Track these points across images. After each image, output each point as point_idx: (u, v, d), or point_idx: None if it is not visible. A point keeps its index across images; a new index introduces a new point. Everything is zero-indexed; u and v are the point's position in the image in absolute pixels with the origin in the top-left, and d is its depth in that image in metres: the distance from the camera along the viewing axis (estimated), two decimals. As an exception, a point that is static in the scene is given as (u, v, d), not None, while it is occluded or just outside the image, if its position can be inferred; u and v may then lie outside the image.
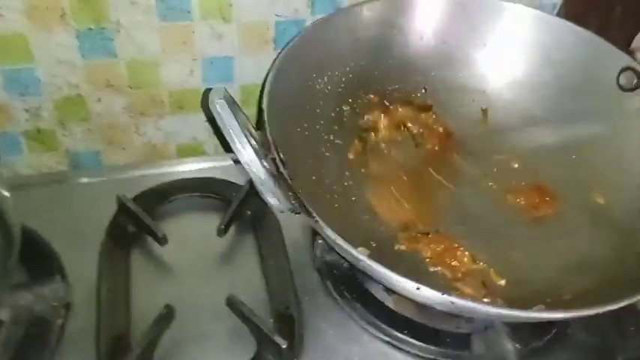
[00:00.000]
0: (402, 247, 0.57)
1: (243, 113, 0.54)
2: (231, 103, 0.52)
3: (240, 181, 0.66)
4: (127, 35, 0.64)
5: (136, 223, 0.61)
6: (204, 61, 0.68)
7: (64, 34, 0.62)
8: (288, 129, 0.58)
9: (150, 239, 0.61)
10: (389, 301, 0.57)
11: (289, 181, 0.50)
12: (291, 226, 0.63)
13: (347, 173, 0.62)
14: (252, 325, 0.53)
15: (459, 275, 0.54)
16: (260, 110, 0.54)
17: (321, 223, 0.47)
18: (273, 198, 0.52)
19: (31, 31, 0.61)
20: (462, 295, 0.52)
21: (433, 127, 0.66)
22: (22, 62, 0.63)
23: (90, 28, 0.62)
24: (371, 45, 0.66)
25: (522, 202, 0.61)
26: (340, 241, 0.46)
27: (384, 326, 0.56)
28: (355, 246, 0.47)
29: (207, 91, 0.52)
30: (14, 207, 0.52)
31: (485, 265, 0.56)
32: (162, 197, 0.65)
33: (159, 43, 0.65)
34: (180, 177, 0.67)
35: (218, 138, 0.75)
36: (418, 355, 0.55)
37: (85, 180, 0.68)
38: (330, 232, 0.47)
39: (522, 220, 0.61)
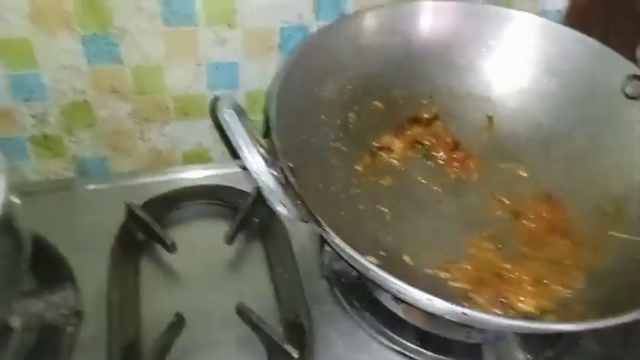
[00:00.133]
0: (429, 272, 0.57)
1: (250, 120, 0.54)
2: (239, 111, 0.52)
3: (246, 187, 0.66)
4: (132, 41, 0.63)
5: (145, 230, 0.61)
6: (208, 66, 0.68)
7: (69, 39, 0.62)
8: (294, 136, 0.57)
9: (158, 246, 0.61)
10: (398, 310, 0.57)
11: (298, 190, 0.50)
12: (299, 233, 0.63)
13: (354, 181, 0.62)
14: (263, 333, 0.54)
15: (471, 286, 0.54)
16: (267, 118, 0.55)
17: (330, 232, 0.47)
18: (282, 207, 0.52)
19: (35, 35, 0.61)
20: (473, 306, 0.52)
21: (440, 137, 0.66)
22: (27, 67, 0.63)
23: (95, 34, 0.62)
24: (376, 52, 0.66)
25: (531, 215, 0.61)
26: (350, 251, 0.46)
27: (393, 335, 0.56)
28: (363, 255, 0.47)
29: (216, 99, 0.52)
30: (24, 213, 0.52)
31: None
32: (170, 204, 0.65)
33: (163, 49, 0.65)
34: (186, 184, 0.68)
35: (225, 144, 0.74)
36: (428, 365, 0.55)
37: (92, 187, 0.68)
38: (339, 241, 0.47)
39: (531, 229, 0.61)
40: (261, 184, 0.52)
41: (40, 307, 0.54)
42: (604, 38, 0.65)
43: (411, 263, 0.57)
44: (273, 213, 0.54)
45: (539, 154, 0.66)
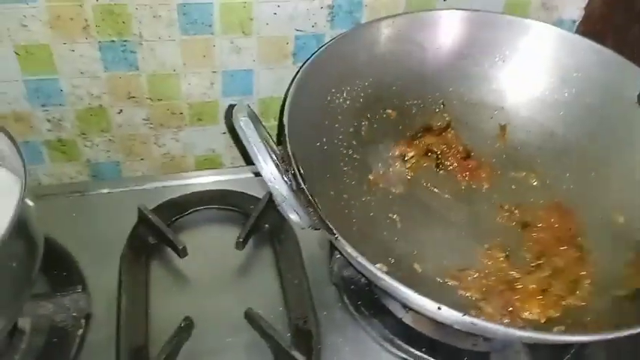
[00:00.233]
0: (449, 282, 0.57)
1: (265, 128, 0.54)
2: (254, 119, 0.52)
3: (257, 193, 0.67)
4: (149, 48, 0.64)
5: (156, 234, 0.62)
6: (224, 74, 0.68)
7: (87, 46, 0.63)
8: (307, 144, 0.58)
9: (169, 250, 0.62)
10: (406, 318, 0.57)
11: (310, 197, 0.50)
12: (309, 239, 0.63)
13: (365, 188, 0.62)
14: (271, 339, 0.54)
15: (480, 295, 0.53)
16: (281, 125, 0.55)
17: (342, 240, 0.48)
18: (294, 214, 0.52)
19: (54, 41, 0.62)
20: (482, 315, 0.52)
21: (452, 146, 0.66)
22: (45, 73, 0.64)
23: (112, 41, 0.63)
24: (389, 60, 0.67)
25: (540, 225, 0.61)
26: (361, 259, 0.46)
27: (401, 343, 0.56)
28: (373, 262, 0.47)
29: (231, 107, 0.53)
30: (37, 216, 0.52)
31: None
32: (181, 209, 0.65)
33: (180, 56, 0.66)
34: (198, 189, 0.68)
35: (239, 150, 0.75)
36: (435, 373, 0.55)
37: (105, 190, 0.68)
38: (350, 250, 0.47)
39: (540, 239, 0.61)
40: (274, 192, 0.52)
41: (50, 309, 0.54)
42: (619, 49, 0.64)
43: (420, 271, 0.57)
44: (283, 219, 0.54)
45: (551, 164, 0.65)
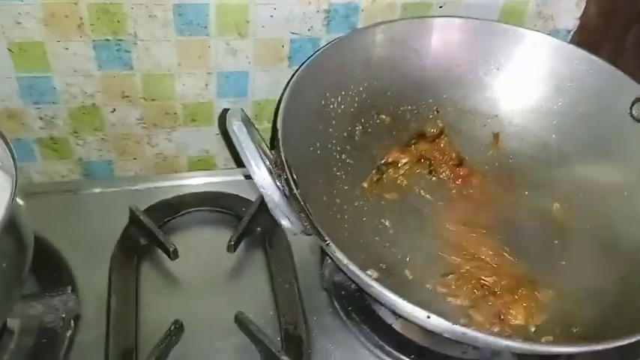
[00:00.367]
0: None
1: (258, 132, 0.54)
2: (248, 124, 0.52)
3: (250, 195, 0.66)
4: (144, 48, 0.64)
5: (147, 236, 0.62)
6: (219, 75, 0.68)
7: (81, 44, 0.62)
8: (301, 148, 0.58)
9: (160, 252, 0.61)
10: (396, 324, 0.57)
11: (302, 203, 0.50)
12: (301, 244, 0.63)
13: (358, 194, 0.63)
14: (261, 343, 0.54)
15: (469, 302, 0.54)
16: (275, 129, 0.55)
17: (333, 246, 0.47)
18: (285, 220, 0.52)
19: (48, 39, 0.61)
20: (471, 324, 0.52)
21: (445, 153, 0.66)
22: (39, 70, 0.63)
23: (107, 39, 0.63)
24: (385, 66, 0.67)
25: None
26: (351, 266, 0.46)
27: (390, 349, 0.56)
28: (365, 267, 0.47)
29: (225, 111, 0.53)
30: (28, 215, 0.52)
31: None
32: (173, 210, 0.65)
33: (175, 57, 0.65)
34: (190, 190, 0.68)
35: (231, 153, 0.75)
36: (424, 380, 0.55)
37: (97, 190, 0.68)
38: (341, 256, 0.47)
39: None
40: (265, 197, 0.52)
41: (39, 309, 0.54)
42: (614, 59, 0.65)
43: (411, 278, 0.57)
44: (275, 222, 0.54)
45: (542, 173, 0.66)
